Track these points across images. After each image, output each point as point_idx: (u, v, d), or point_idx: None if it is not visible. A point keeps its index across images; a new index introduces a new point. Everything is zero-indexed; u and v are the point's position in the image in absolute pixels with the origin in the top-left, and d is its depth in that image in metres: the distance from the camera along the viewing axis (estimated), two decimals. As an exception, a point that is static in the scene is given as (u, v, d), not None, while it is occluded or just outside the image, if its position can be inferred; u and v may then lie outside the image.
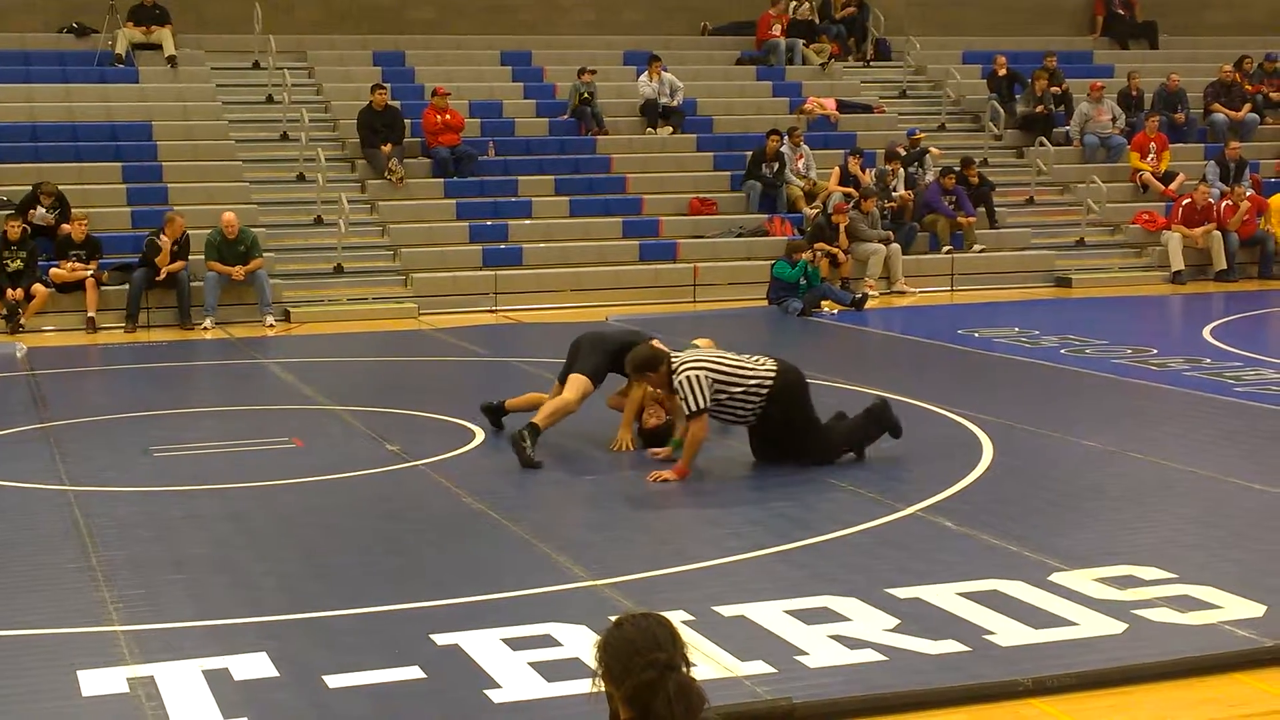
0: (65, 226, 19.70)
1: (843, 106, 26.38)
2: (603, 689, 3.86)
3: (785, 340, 18.01)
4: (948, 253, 22.81)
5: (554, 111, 25.20)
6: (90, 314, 19.06)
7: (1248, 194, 23.91)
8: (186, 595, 7.74)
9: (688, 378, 10.10)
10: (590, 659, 3.93)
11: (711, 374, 10.14)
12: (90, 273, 19.20)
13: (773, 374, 10.28)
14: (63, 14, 25.85)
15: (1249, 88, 28.12)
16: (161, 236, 19.30)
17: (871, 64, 29.03)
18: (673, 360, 10.34)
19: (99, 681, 6.50)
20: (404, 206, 22.55)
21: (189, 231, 19.61)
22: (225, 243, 19.49)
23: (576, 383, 11.15)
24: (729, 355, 10.47)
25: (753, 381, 10.23)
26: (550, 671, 6.50)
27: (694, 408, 10.11)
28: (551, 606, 7.41)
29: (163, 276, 19.21)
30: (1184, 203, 23.73)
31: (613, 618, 3.99)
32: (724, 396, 10.20)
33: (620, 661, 3.79)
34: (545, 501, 10.00)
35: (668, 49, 27.05)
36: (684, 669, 3.80)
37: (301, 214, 22.34)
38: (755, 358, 10.49)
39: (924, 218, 23.11)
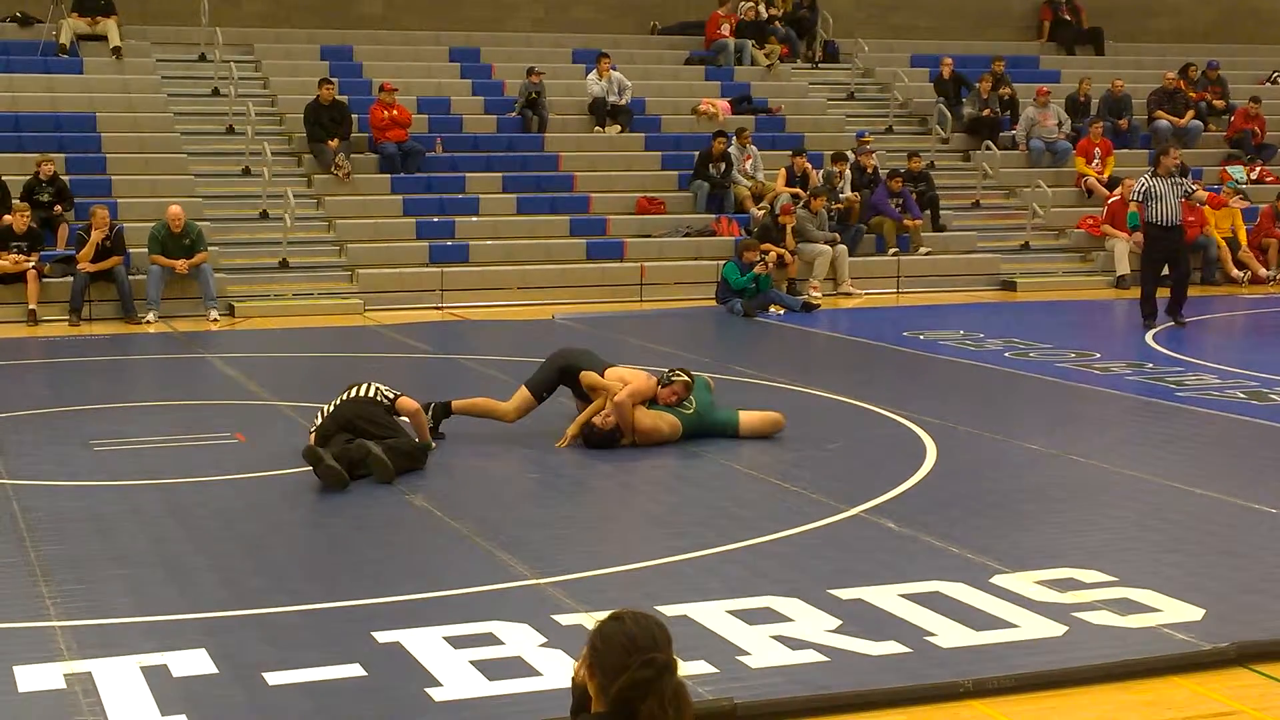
0: (6, 217, 19.45)
1: (736, 107, 26.31)
2: (578, 677, 3.80)
3: (731, 341, 18.04)
4: (894, 255, 22.89)
5: (502, 109, 25.13)
6: (32, 306, 18.85)
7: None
8: (125, 590, 7.69)
9: None
10: (582, 645, 3.83)
11: None
12: (32, 264, 19.01)
13: None
14: (6, 3, 25.62)
15: (1192, 95, 28.36)
16: (92, 231, 19.10)
17: (820, 65, 29.09)
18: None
19: (36, 677, 6.45)
20: (350, 202, 22.45)
21: (127, 225, 19.46)
22: (170, 236, 19.32)
23: (517, 395, 11.53)
24: None
25: None
26: (492, 670, 6.48)
27: None
28: (494, 604, 7.39)
29: (83, 269, 18.95)
30: (1110, 200, 23.92)
31: (603, 614, 3.87)
32: None
33: (618, 656, 3.70)
34: (489, 499, 9.96)
35: (616, 48, 27.02)
36: (677, 674, 3.75)
37: (247, 208, 22.19)
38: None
39: (870, 220, 23.18)
